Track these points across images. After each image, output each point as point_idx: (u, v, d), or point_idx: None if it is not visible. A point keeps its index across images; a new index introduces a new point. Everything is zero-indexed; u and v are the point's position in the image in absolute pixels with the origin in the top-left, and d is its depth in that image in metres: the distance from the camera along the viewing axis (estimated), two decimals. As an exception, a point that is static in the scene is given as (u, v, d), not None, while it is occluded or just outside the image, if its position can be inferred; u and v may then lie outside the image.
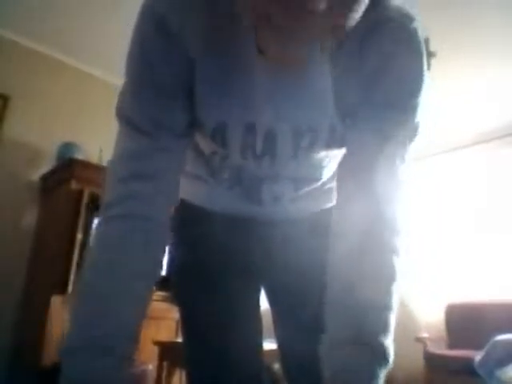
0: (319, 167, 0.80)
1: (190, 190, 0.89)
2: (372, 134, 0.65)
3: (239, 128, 0.68)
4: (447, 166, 4.37)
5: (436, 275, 4.05)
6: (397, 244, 0.63)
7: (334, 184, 0.88)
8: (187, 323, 0.91)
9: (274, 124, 0.68)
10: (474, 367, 2.56)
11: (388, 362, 0.58)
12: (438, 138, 4.09)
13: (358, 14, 0.48)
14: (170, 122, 0.65)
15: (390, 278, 0.61)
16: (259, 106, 0.66)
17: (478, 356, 2.59)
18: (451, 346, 3.55)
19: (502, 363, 2.44)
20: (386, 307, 0.60)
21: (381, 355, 0.58)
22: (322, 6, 0.43)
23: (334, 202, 0.93)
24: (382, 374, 0.58)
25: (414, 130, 0.66)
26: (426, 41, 2.42)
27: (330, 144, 0.71)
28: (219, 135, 0.69)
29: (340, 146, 0.72)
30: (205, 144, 0.76)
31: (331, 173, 0.85)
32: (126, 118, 0.65)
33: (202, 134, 0.71)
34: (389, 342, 0.59)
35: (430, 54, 2.18)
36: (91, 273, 0.61)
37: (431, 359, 3.26)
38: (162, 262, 0.67)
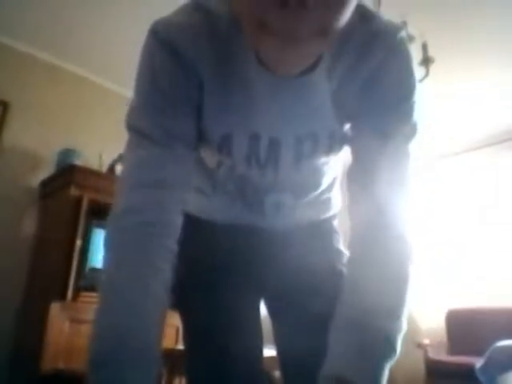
0: (319, 174, 0.84)
1: (190, 201, 0.91)
2: (372, 136, 0.69)
3: (243, 138, 0.72)
4: (448, 170, 4.37)
5: (437, 281, 4.04)
6: (399, 245, 0.66)
7: (331, 194, 0.95)
8: (189, 330, 0.92)
9: (276, 133, 0.72)
10: (475, 373, 2.55)
11: (394, 351, 0.59)
12: (437, 143, 4.10)
13: (344, 16, 0.52)
14: (182, 133, 0.67)
15: (393, 280, 0.63)
16: (261, 118, 0.70)
17: (479, 362, 2.57)
18: (452, 352, 3.53)
19: (503, 369, 2.43)
20: (392, 310, 0.61)
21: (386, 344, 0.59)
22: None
23: (332, 212, 0.97)
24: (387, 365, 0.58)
25: (413, 129, 0.70)
26: (424, 46, 2.42)
27: (330, 149, 0.75)
28: (225, 147, 0.72)
29: (339, 150, 0.77)
30: (210, 157, 0.80)
31: (329, 181, 0.90)
32: (137, 129, 0.67)
33: (209, 147, 0.75)
34: (394, 330, 0.60)
35: (429, 60, 2.19)
36: (112, 282, 0.61)
37: (432, 365, 3.25)
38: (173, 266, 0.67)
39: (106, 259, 0.64)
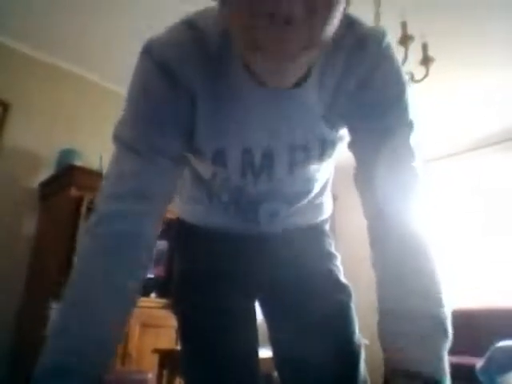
0: (312, 180, 0.86)
1: (187, 210, 0.96)
2: (370, 138, 0.71)
3: (237, 152, 0.73)
4: (443, 172, 4.36)
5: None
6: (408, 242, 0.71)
7: (323, 199, 0.97)
8: (186, 332, 0.92)
9: (268, 146, 0.73)
10: (475, 374, 2.55)
11: (448, 335, 0.64)
12: (434, 143, 4.10)
13: (332, 26, 0.52)
14: (168, 150, 0.68)
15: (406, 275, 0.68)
16: (253, 133, 0.72)
17: (479, 363, 2.57)
18: (452, 353, 3.47)
19: (503, 370, 2.43)
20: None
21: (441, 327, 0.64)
22: (299, 11, 0.48)
23: (323, 216, 1.00)
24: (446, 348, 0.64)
25: (410, 126, 0.70)
26: (424, 46, 2.41)
27: (323, 154, 0.77)
28: (219, 161, 0.74)
29: (331, 154, 0.79)
30: (205, 169, 0.81)
31: (322, 184, 0.91)
32: (123, 141, 0.67)
33: (203, 160, 0.76)
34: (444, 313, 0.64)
35: (429, 60, 2.19)
36: (74, 291, 0.61)
37: (432, 366, 3.23)
38: (142, 280, 0.67)
39: (74, 265, 0.64)
